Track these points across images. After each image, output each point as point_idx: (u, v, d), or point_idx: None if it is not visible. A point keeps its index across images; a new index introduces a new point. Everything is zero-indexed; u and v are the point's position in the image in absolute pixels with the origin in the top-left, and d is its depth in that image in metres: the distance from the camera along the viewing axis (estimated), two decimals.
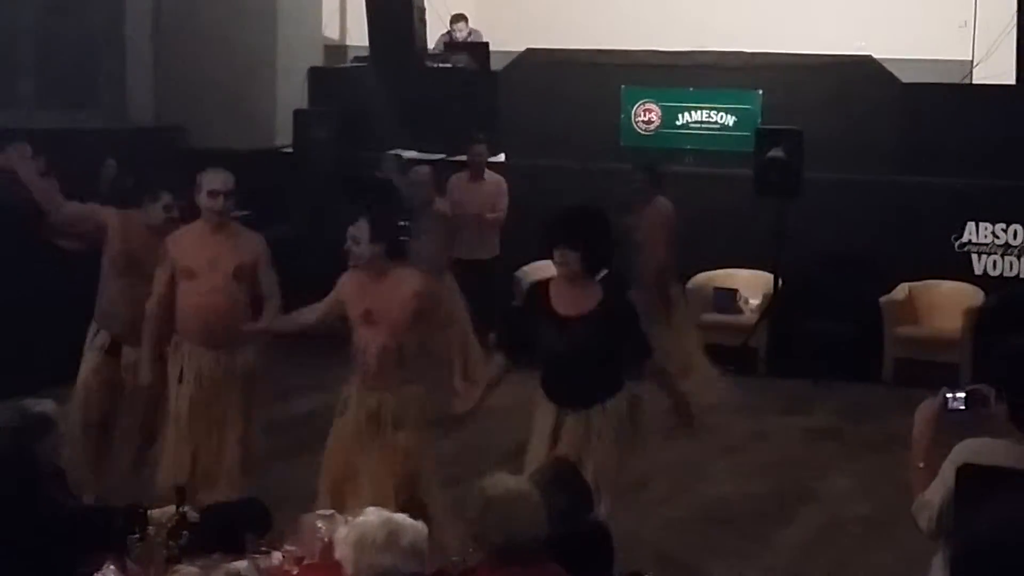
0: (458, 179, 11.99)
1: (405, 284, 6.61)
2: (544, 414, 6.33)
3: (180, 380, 7.19)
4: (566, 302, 6.18)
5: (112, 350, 7.39)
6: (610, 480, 6.19)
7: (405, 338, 6.56)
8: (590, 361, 6.13)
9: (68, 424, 6.97)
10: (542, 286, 6.39)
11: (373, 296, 6.55)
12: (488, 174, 12.04)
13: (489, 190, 11.86)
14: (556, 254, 6.21)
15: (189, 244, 7.18)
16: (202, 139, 14.37)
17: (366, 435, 6.61)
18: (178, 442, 7.21)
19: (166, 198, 7.35)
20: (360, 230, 6.50)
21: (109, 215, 7.54)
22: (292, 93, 14.56)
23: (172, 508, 5.11)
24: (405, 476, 6.51)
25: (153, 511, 5.14)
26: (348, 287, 6.68)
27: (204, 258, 7.11)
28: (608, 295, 6.21)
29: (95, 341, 7.46)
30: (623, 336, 6.19)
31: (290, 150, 13.93)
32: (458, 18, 15.67)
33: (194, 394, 7.16)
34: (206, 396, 7.16)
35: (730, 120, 13.17)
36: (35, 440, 5.26)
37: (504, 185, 11.95)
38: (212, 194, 7.15)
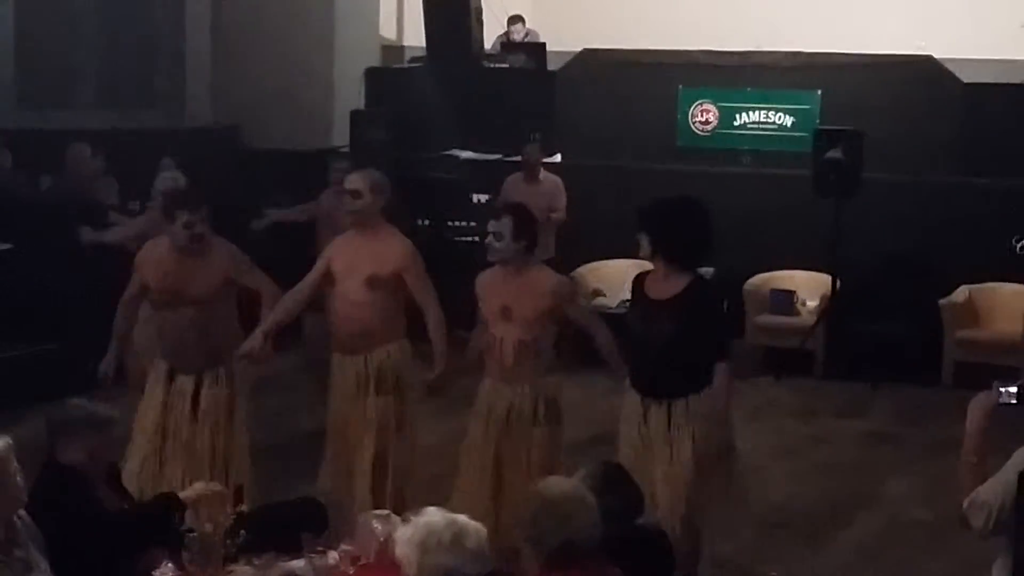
0: (514, 180, 12.00)
1: (542, 282, 6.69)
2: (631, 403, 6.36)
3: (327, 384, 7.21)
4: (657, 287, 6.27)
5: (169, 377, 7.17)
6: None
7: (539, 333, 6.63)
8: (672, 348, 6.15)
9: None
10: (642, 275, 6.47)
11: (511, 292, 6.63)
12: (544, 175, 12.04)
13: (546, 190, 11.86)
14: (638, 236, 6.32)
15: (339, 246, 7.14)
16: (259, 139, 14.49)
17: (504, 429, 6.69)
18: (334, 454, 7.22)
19: (184, 216, 6.88)
20: (503, 226, 6.56)
21: (142, 267, 7.19)
22: (349, 93, 14.61)
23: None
24: (543, 468, 6.50)
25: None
26: (486, 283, 6.78)
27: (345, 261, 7.04)
28: (693, 283, 6.23)
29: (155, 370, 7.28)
30: (704, 327, 6.20)
31: (347, 150, 13.99)
32: (515, 19, 15.68)
33: (335, 403, 7.15)
34: (345, 405, 7.12)
35: (788, 120, 13.12)
36: (79, 437, 5.30)
37: (561, 185, 11.96)
38: (347, 193, 7.10)
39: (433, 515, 4.16)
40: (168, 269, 6.97)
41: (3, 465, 4.61)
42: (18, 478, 4.66)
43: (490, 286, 6.77)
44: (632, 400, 6.36)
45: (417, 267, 7.07)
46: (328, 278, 7.13)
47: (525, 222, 6.69)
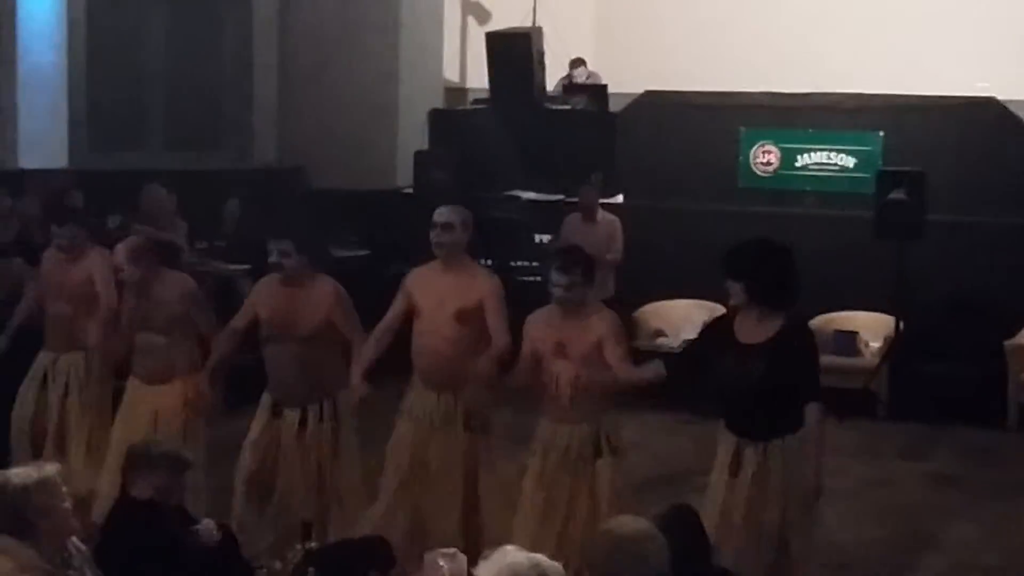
0: (573, 219, 12.03)
1: (597, 318, 6.67)
2: (725, 444, 6.32)
3: (407, 418, 7.16)
4: (747, 331, 6.23)
5: (276, 411, 7.27)
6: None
7: (596, 370, 6.57)
8: (767, 391, 6.12)
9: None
10: (728, 317, 6.44)
11: (566, 330, 6.62)
12: (602, 215, 12.06)
13: (603, 231, 11.87)
14: (727, 285, 6.28)
15: (423, 280, 7.12)
16: (324, 179, 14.62)
17: (563, 467, 6.66)
18: (398, 488, 7.16)
19: (278, 245, 7.07)
20: (572, 277, 6.55)
21: (255, 299, 7.35)
22: (413, 134, 14.74)
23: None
24: (607, 506, 6.50)
25: None
26: (540, 322, 6.77)
27: (432, 297, 7.01)
28: (787, 325, 6.23)
29: (263, 401, 7.38)
30: (799, 369, 6.20)
31: (410, 191, 14.09)
32: (577, 62, 15.77)
33: (417, 435, 7.11)
34: (425, 440, 7.09)
35: (850, 162, 13.09)
36: (153, 472, 5.36)
37: (618, 225, 11.96)
38: (435, 227, 7.04)
39: (515, 555, 4.07)
40: (276, 304, 7.13)
41: (53, 491, 4.69)
42: (67, 504, 4.74)
43: (545, 325, 6.76)
44: (727, 440, 6.32)
45: (499, 299, 7.02)
46: (410, 312, 7.13)
47: (590, 267, 6.73)
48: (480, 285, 7.02)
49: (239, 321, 7.37)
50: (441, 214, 7.07)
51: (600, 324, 6.65)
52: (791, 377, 6.13)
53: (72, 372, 8.09)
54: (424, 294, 7.05)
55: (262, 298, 7.26)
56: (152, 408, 7.62)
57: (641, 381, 6.61)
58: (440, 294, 7.00)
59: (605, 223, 11.96)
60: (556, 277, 6.63)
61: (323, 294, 7.14)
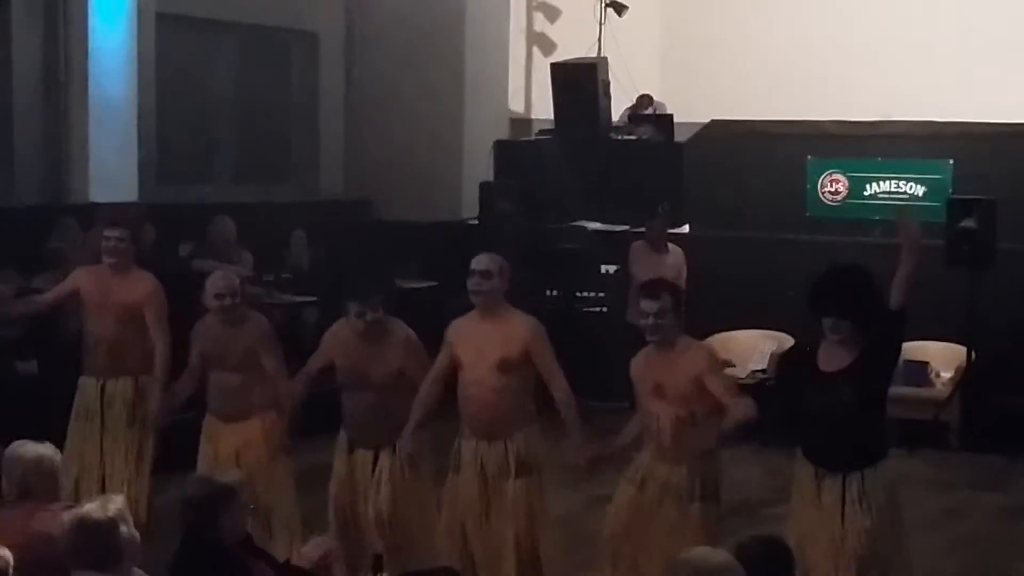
0: (639, 248, 12.02)
1: (693, 355, 6.66)
2: (804, 475, 6.30)
3: (457, 470, 7.15)
4: (829, 359, 6.23)
5: (351, 450, 7.34)
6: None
7: (696, 408, 6.56)
8: (847, 419, 6.11)
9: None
10: (806, 347, 6.43)
11: (663, 369, 6.61)
12: (669, 246, 12.05)
13: (671, 262, 11.86)
14: (827, 323, 6.22)
15: (463, 331, 7.10)
16: (390, 211, 14.70)
17: (657, 506, 6.65)
18: (449, 535, 7.18)
19: (355, 307, 7.14)
20: (665, 304, 6.55)
21: (330, 345, 7.41)
22: (478, 165, 14.77)
23: None
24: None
25: None
26: (640, 363, 6.75)
27: (472, 347, 7.01)
28: (867, 347, 6.20)
29: (338, 441, 7.45)
30: (882, 393, 6.20)
31: (476, 222, 14.13)
32: (646, 101, 15.71)
33: (468, 487, 7.09)
34: (475, 490, 7.08)
35: (920, 190, 13.02)
36: (218, 511, 5.39)
37: (682, 257, 11.93)
38: (472, 274, 7.03)
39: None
40: (351, 352, 7.21)
41: (126, 521, 4.72)
42: (135, 534, 4.76)
43: (644, 365, 6.74)
44: (806, 472, 6.29)
45: (543, 342, 7.00)
46: (454, 364, 7.11)
47: (680, 298, 6.74)
48: (521, 333, 6.99)
49: (314, 365, 7.46)
50: (480, 261, 7.08)
51: (698, 360, 6.63)
52: (873, 406, 6.12)
53: (119, 398, 8.03)
54: (464, 346, 7.05)
55: (336, 347, 7.33)
56: (233, 446, 7.68)
57: (741, 421, 6.51)
58: (479, 344, 6.98)
59: (673, 254, 11.95)
60: (646, 305, 6.61)
61: (395, 346, 7.21)
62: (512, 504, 7.00)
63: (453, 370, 7.11)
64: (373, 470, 7.23)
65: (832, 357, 6.21)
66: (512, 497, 7.00)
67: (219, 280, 7.72)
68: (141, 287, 8.05)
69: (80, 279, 8.17)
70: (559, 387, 7.00)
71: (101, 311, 8.00)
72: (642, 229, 12.42)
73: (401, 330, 7.27)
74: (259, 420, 7.68)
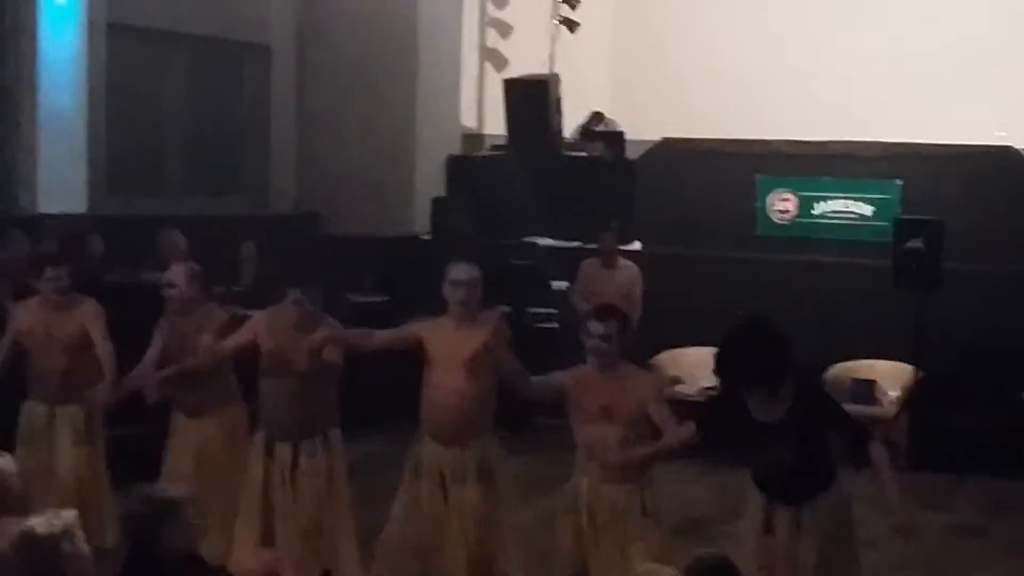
0: (591, 264, 12.05)
1: (640, 381, 6.69)
2: (754, 503, 6.26)
3: (416, 475, 7.14)
4: (760, 408, 6.11)
5: (268, 449, 7.30)
6: None
7: (641, 431, 6.57)
8: (792, 461, 6.06)
9: None
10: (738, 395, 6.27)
11: (611, 392, 6.59)
12: (622, 262, 12.07)
13: (623, 278, 11.90)
14: (746, 394, 6.12)
15: (435, 334, 7.08)
16: (341, 225, 14.66)
17: (605, 528, 6.63)
18: (402, 539, 7.17)
19: (294, 294, 7.21)
20: (611, 328, 6.56)
21: (259, 322, 7.47)
22: (430, 180, 14.80)
23: None
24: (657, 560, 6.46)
25: None
26: (580, 383, 6.71)
27: (443, 352, 7.00)
28: (796, 401, 6.10)
29: (255, 439, 7.42)
30: (826, 431, 6.16)
31: (428, 237, 14.12)
32: (597, 118, 15.78)
33: (426, 492, 7.08)
34: (440, 495, 7.07)
35: (868, 210, 13.07)
36: (162, 526, 5.34)
37: (637, 272, 11.97)
38: (455, 284, 7.04)
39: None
40: (281, 340, 7.21)
41: (76, 539, 4.67)
42: (86, 550, 4.72)
43: (584, 386, 6.69)
44: (755, 498, 6.26)
45: (502, 331, 7.04)
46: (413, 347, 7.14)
47: (626, 321, 6.76)
48: (485, 329, 7.01)
49: (235, 341, 7.47)
50: (462, 271, 7.09)
51: (646, 386, 6.68)
52: (818, 444, 6.09)
53: (70, 422, 7.96)
54: (436, 349, 7.04)
55: (263, 331, 7.35)
56: (196, 441, 7.70)
57: (683, 443, 6.50)
58: (451, 350, 6.99)
59: (625, 270, 11.97)
60: (593, 327, 6.61)
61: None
62: (470, 509, 6.99)
63: (410, 344, 7.12)
64: (293, 467, 7.19)
65: (763, 407, 6.11)
66: (470, 503, 6.99)
67: (185, 266, 7.99)
68: (83, 315, 7.97)
69: (19, 322, 8.05)
70: (522, 377, 6.96)
71: (47, 345, 7.94)
72: (594, 246, 12.45)
73: (330, 322, 7.29)
74: (218, 415, 7.69)
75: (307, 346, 7.05)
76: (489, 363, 7.00)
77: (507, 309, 12.75)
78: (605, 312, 6.77)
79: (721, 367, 6.15)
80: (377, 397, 7.72)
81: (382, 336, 7.33)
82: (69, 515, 4.79)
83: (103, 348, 7.89)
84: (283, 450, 7.21)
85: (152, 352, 7.80)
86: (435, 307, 7.42)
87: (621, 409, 6.55)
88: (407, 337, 7.22)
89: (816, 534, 6.08)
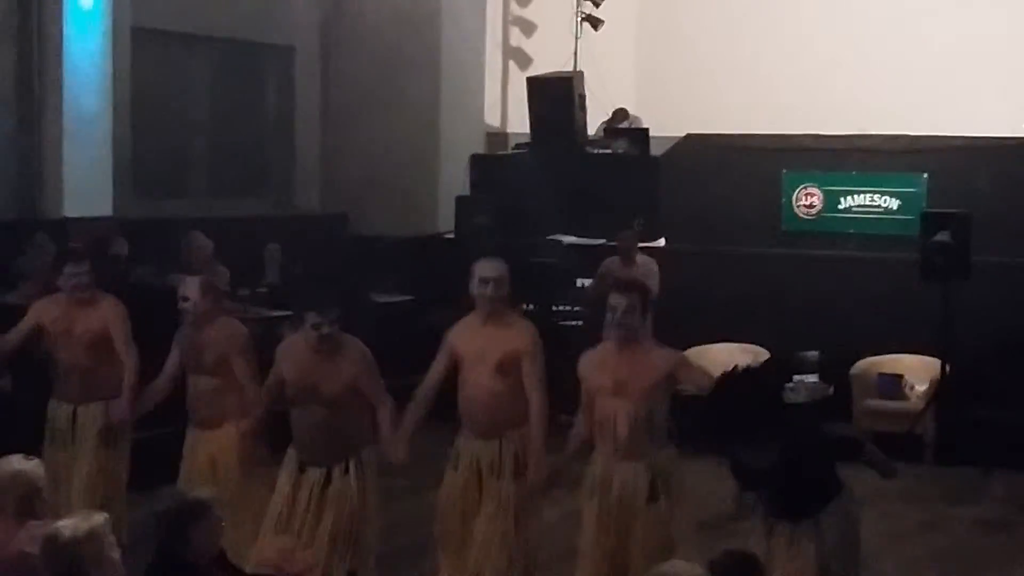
0: (610, 263, 12.05)
1: (655, 353, 6.66)
2: (758, 515, 6.15)
3: (455, 467, 7.17)
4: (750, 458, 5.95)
5: (300, 467, 7.18)
6: None
7: (654, 407, 6.58)
8: (788, 488, 5.93)
9: None
10: None
11: (623, 367, 6.58)
12: (641, 258, 12.06)
13: (641, 274, 11.86)
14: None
15: (465, 334, 7.10)
16: (366, 226, 14.69)
17: (619, 507, 6.61)
18: (443, 533, 7.20)
19: (311, 318, 7.00)
20: (634, 301, 6.55)
21: (282, 359, 7.27)
22: (454, 179, 14.80)
23: None
24: (661, 546, 6.43)
25: None
26: (595, 361, 6.73)
27: (473, 349, 7.01)
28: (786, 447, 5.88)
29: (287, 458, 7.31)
30: (820, 461, 6.00)
31: (452, 236, 14.13)
32: (622, 115, 15.75)
33: (466, 484, 7.11)
34: (477, 486, 7.09)
35: (894, 204, 13.06)
36: (192, 526, 5.36)
37: (654, 267, 11.95)
38: (483, 281, 7.02)
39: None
40: (302, 367, 7.06)
41: (102, 541, 4.71)
42: (115, 554, 4.75)
43: (600, 363, 6.71)
44: (759, 512, 6.16)
45: (535, 352, 7.03)
46: (453, 367, 7.12)
47: (648, 297, 6.76)
48: (521, 338, 7.05)
49: (272, 379, 7.31)
50: (489, 268, 7.08)
51: (667, 360, 6.64)
52: (816, 472, 5.94)
53: (91, 422, 7.94)
54: (466, 348, 7.06)
55: (287, 362, 7.19)
56: (209, 453, 7.64)
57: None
58: (481, 346, 7.01)
59: (643, 266, 11.96)
60: (614, 300, 6.58)
61: (349, 361, 7.06)
62: (505, 501, 7.01)
63: (450, 373, 7.11)
64: (324, 488, 7.06)
65: (752, 457, 5.92)
66: (505, 494, 7.01)
67: (199, 279, 7.83)
68: (106, 313, 7.95)
69: (41, 312, 8.03)
70: (537, 399, 6.99)
71: (68, 341, 7.90)
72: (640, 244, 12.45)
73: (355, 345, 7.11)
74: (233, 428, 7.60)
75: (334, 378, 6.98)
76: (520, 366, 7.03)
77: (531, 307, 12.88)
78: (626, 286, 6.77)
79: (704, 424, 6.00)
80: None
81: (434, 378, 7.17)
82: (98, 518, 4.82)
83: (126, 355, 7.88)
84: (315, 472, 7.09)
85: (170, 363, 7.75)
86: (460, 306, 7.44)
87: (636, 384, 6.53)
88: (447, 362, 7.12)
89: (816, 551, 5.93)
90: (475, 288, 7.05)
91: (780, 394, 6.22)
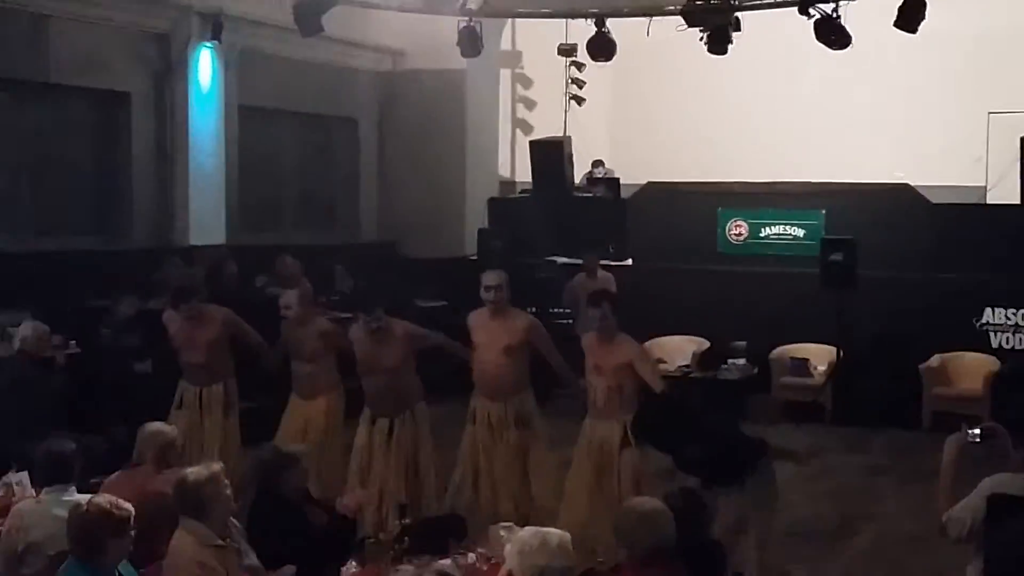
0: (579, 277, 12.01)
1: (626, 347, 6.68)
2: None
3: (473, 422, 7.17)
4: None
5: (372, 420, 7.24)
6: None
7: (623, 383, 6.60)
8: (723, 466, 5.84)
9: None
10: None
11: (602, 354, 6.65)
12: (600, 273, 12.00)
13: (601, 283, 11.78)
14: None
15: (478, 322, 7.11)
16: (410, 251, 14.69)
17: (600, 454, 6.67)
18: (463, 471, 7.17)
19: (363, 317, 7.12)
20: (604, 309, 6.62)
21: (354, 335, 7.33)
22: (476, 216, 14.80)
23: None
24: (632, 484, 6.47)
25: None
26: (588, 345, 6.77)
27: (484, 335, 7.03)
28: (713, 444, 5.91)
29: (363, 414, 7.36)
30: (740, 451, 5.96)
31: (475, 258, 14.13)
32: (598, 163, 15.79)
33: (480, 434, 7.11)
34: (489, 436, 7.09)
35: (800, 232, 13.00)
36: (285, 471, 5.36)
37: (612, 279, 11.85)
38: (486, 288, 7.04)
39: (525, 531, 4.11)
40: (364, 348, 7.15)
41: (219, 483, 4.72)
42: (229, 492, 4.76)
43: (587, 349, 6.78)
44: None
45: (541, 331, 7.08)
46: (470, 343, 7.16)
47: (616, 302, 6.78)
48: (522, 325, 7.06)
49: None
50: (493, 277, 7.09)
51: (631, 349, 6.68)
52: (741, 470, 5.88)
53: (213, 399, 7.88)
54: (478, 336, 7.09)
55: (355, 345, 7.24)
56: (303, 417, 7.66)
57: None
58: (490, 334, 7.02)
59: (603, 278, 11.89)
60: (592, 312, 6.69)
61: (400, 339, 7.13)
62: (512, 448, 7.01)
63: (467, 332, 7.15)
64: (390, 433, 7.14)
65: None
66: (512, 442, 7.01)
67: (281, 299, 7.85)
68: (218, 321, 7.83)
69: (168, 324, 7.94)
70: (557, 360, 7.06)
71: (190, 346, 7.80)
72: (600, 262, 12.41)
73: (400, 327, 7.18)
74: (324, 399, 7.64)
75: (387, 354, 7.04)
76: (522, 348, 7.02)
77: (533, 310, 12.84)
78: (597, 297, 6.81)
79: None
80: (451, 377, 7.67)
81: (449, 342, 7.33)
82: (216, 466, 4.82)
83: (253, 337, 7.85)
84: (383, 423, 7.16)
85: (279, 347, 7.82)
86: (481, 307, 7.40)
87: (608, 366, 6.61)
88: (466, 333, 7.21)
89: (739, 502, 5.85)
90: (482, 293, 7.09)
91: (703, 410, 6.26)
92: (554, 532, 4.05)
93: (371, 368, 7.15)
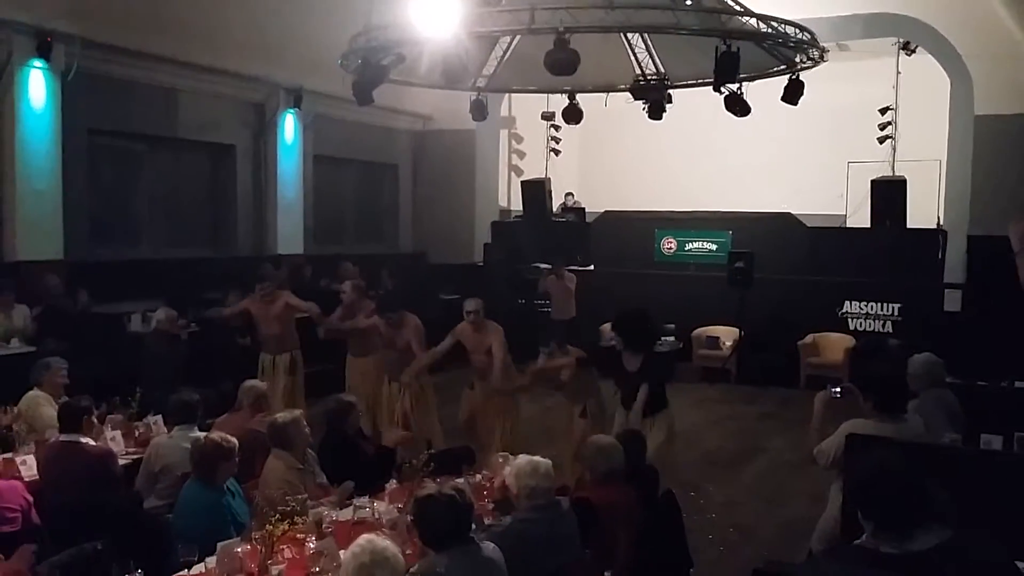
0: (550, 278, 11.75)
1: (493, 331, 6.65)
2: (620, 414, 6.00)
3: (471, 387, 6.96)
4: (628, 362, 5.91)
5: (388, 382, 7.15)
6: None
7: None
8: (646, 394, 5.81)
9: None
10: (614, 351, 6.06)
11: (477, 340, 6.57)
12: (566, 273, 11.78)
13: (567, 282, 11.71)
14: (618, 342, 5.92)
15: (464, 335, 6.84)
16: (436, 258, 14.66)
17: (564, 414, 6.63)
18: (470, 425, 7.00)
19: (384, 315, 7.02)
20: (476, 303, 6.49)
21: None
22: (483, 233, 14.78)
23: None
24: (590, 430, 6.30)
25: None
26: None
27: (471, 343, 6.79)
28: (647, 358, 5.88)
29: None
30: (660, 379, 5.92)
31: (482, 263, 14.13)
32: (569, 195, 15.77)
33: (478, 402, 6.95)
34: (482, 402, 6.92)
35: (714, 247, 13.00)
36: (346, 415, 5.36)
37: (574, 279, 11.65)
38: (467, 312, 6.74)
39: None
40: (384, 333, 7.06)
41: (300, 423, 4.72)
42: (307, 430, 4.75)
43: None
44: (621, 412, 6.00)
45: (501, 336, 6.76)
46: (457, 346, 6.88)
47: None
48: (493, 334, 6.76)
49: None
50: (472, 303, 6.81)
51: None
52: (656, 385, 5.85)
53: (283, 365, 7.80)
54: (466, 341, 6.81)
55: (380, 329, 7.11)
56: (359, 372, 7.61)
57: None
58: (474, 341, 6.77)
59: (567, 278, 11.80)
60: (468, 304, 6.63)
61: (408, 329, 6.96)
62: (500, 406, 6.86)
63: (451, 350, 6.86)
64: (400, 392, 7.06)
65: (629, 360, 5.90)
66: (501, 404, 6.87)
67: (343, 288, 7.83)
68: (282, 299, 7.75)
69: (248, 305, 7.88)
70: (500, 358, 6.68)
71: (265, 322, 7.74)
72: (572, 267, 12.37)
73: (412, 319, 7.01)
74: (373, 358, 7.52)
75: (400, 338, 6.88)
76: (497, 347, 6.80)
77: (523, 301, 12.82)
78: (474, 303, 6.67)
79: (616, 328, 6.01)
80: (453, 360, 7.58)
81: (440, 349, 6.88)
82: (297, 412, 4.84)
83: (312, 308, 7.66)
84: (394, 386, 7.08)
85: (335, 316, 7.72)
86: (485, 299, 7.08)
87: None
88: (452, 341, 6.84)
89: (655, 432, 5.82)
90: (465, 315, 6.78)
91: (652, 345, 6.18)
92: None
93: (388, 347, 7.08)
